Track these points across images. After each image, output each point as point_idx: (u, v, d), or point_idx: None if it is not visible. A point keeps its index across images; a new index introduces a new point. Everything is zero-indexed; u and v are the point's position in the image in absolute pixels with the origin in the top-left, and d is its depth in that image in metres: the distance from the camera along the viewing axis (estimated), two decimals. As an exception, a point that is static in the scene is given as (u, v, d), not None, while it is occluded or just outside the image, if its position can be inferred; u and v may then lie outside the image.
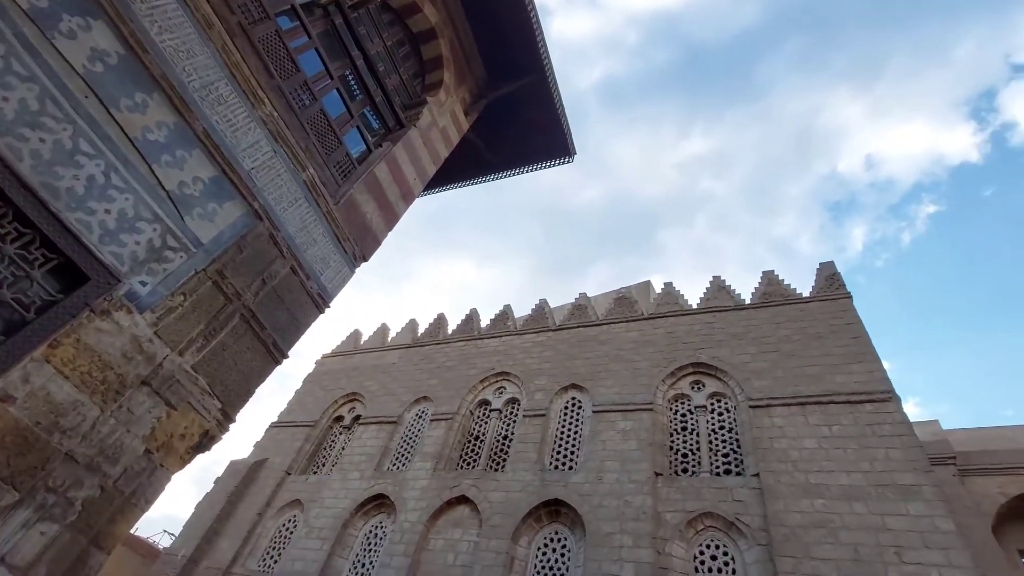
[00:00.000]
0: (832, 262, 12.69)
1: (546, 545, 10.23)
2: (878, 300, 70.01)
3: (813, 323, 11.52)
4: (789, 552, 8.14)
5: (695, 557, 9.01)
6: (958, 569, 7.31)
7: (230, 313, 4.27)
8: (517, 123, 9.50)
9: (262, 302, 4.51)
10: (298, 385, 17.43)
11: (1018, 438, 11.82)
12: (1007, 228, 67.86)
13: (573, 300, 15.48)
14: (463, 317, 16.86)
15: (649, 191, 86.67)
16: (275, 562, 12.29)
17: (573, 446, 11.73)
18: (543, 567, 9.89)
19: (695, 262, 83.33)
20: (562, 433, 12.12)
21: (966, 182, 71.16)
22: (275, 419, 16.13)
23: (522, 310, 16.92)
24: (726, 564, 8.75)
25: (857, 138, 73.73)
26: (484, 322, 16.58)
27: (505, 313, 16.18)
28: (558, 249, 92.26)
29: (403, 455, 13.47)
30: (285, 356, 4.68)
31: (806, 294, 12.31)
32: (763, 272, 13.35)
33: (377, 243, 6.01)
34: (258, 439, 15.65)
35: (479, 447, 13.05)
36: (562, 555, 9.93)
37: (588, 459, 10.92)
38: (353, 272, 5.53)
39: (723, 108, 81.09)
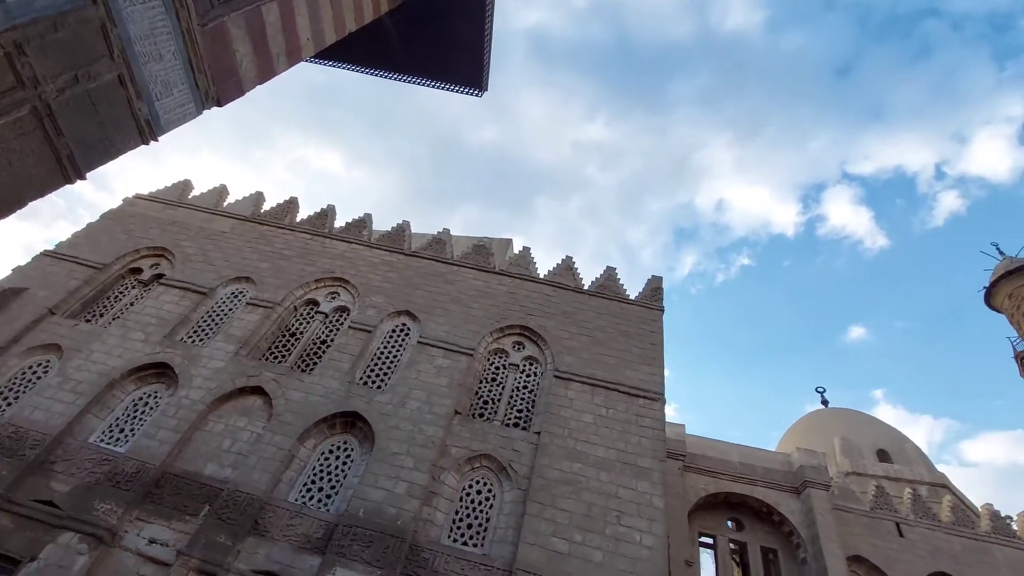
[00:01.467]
0: (661, 278, 14.46)
1: (331, 452, 10.42)
2: (680, 318, 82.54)
3: (627, 322, 13.15)
4: (540, 499, 9.54)
5: (463, 488, 10.03)
6: (654, 536, 9.32)
7: (18, 100, 3.42)
8: (439, 32, 8.88)
9: (68, 103, 3.69)
10: (94, 219, 14.71)
11: (728, 452, 15.14)
12: (785, 297, 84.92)
13: (435, 233, 15.39)
14: (318, 210, 15.73)
15: (541, 155, 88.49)
16: (8, 405, 10.57)
17: (388, 368, 11.94)
18: (322, 470, 10.09)
19: (557, 237, 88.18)
20: (381, 353, 12.23)
21: (775, 250, 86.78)
22: (51, 248, 13.53)
23: (381, 224, 16.30)
24: (487, 499, 9.91)
25: (718, 182, 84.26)
26: (339, 223, 15.69)
27: (363, 221, 15.48)
28: (437, 177, 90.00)
29: (204, 330, 12.38)
30: (81, 176, 3.92)
31: (632, 296, 13.93)
32: (607, 267, 14.73)
33: (240, 91, 5.23)
34: (21, 264, 13.02)
35: (292, 344, 12.57)
36: (344, 463, 10.23)
37: (398, 383, 11.25)
38: (200, 112, 4.76)
39: (630, 108, 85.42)
